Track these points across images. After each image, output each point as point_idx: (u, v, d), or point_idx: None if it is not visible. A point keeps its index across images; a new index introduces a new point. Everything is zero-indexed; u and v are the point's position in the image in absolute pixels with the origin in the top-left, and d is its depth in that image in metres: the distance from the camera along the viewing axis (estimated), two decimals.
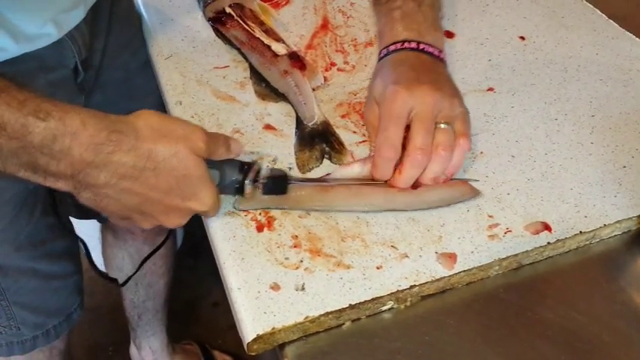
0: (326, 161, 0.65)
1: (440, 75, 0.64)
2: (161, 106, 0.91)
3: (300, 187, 0.60)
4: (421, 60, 0.64)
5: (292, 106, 0.70)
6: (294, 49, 0.77)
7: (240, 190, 0.58)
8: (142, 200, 0.53)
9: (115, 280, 0.86)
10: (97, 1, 0.73)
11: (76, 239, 0.90)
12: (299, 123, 0.68)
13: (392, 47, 0.65)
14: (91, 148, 0.49)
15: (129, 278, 0.86)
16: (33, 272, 0.79)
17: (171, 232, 1.14)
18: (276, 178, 0.59)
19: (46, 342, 0.88)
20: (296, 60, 0.73)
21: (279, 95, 0.71)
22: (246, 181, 0.57)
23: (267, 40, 0.76)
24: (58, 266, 0.83)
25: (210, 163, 0.55)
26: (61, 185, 0.52)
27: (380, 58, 0.67)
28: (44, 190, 0.76)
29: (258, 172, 0.59)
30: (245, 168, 0.58)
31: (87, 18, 0.71)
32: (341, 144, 0.66)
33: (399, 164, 0.59)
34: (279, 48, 0.74)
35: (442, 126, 0.58)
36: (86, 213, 1.03)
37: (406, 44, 0.65)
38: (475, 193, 0.60)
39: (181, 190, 0.54)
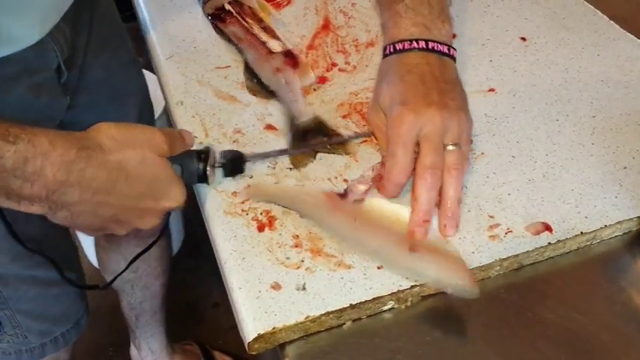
0: (324, 155, 0.65)
1: (448, 83, 0.62)
2: (143, 106, 0.92)
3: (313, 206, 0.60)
4: (430, 64, 0.62)
5: (283, 103, 0.71)
6: (290, 47, 0.77)
7: (203, 178, 0.60)
8: (117, 210, 0.55)
9: (96, 286, 0.86)
10: (78, 1, 0.71)
11: (74, 244, 0.90)
12: (291, 121, 0.69)
13: (399, 46, 0.64)
14: (63, 167, 0.50)
15: (115, 278, 0.85)
16: (32, 280, 0.79)
17: (164, 233, 1.13)
18: (233, 159, 0.62)
19: (54, 349, 0.87)
20: (290, 58, 0.73)
21: (269, 92, 0.72)
22: (207, 168, 0.59)
23: (263, 37, 0.76)
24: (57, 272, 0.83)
25: (171, 159, 0.57)
26: (35, 209, 0.51)
27: (385, 55, 0.66)
28: None
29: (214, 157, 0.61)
30: (202, 156, 0.59)
31: (68, 16, 0.69)
32: (340, 135, 0.67)
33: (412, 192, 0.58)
34: (274, 45, 0.75)
35: (450, 147, 0.58)
36: None
37: (414, 44, 0.63)
38: (473, 288, 0.53)
39: (153, 193, 0.55)
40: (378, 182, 0.60)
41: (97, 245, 1.17)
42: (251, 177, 0.63)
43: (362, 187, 0.60)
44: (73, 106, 0.79)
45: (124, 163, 0.53)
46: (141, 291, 1.19)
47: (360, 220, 0.58)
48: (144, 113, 0.93)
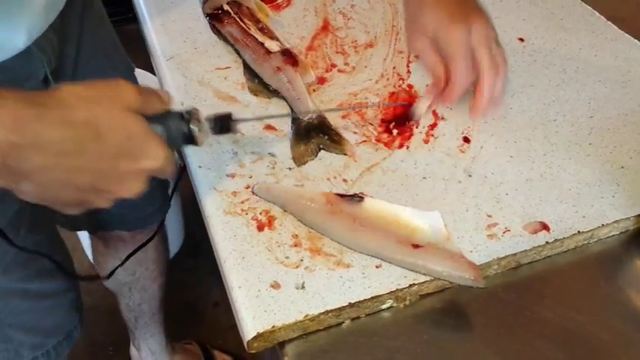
0: (324, 154, 0.66)
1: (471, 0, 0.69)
2: None
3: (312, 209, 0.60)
4: None
5: (286, 101, 0.71)
6: (287, 46, 0.77)
7: (189, 139, 0.55)
8: (93, 176, 0.49)
9: (97, 277, 0.84)
10: (66, 7, 0.69)
11: (67, 254, 0.88)
12: (294, 118, 0.69)
13: None
14: (15, 126, 0.44)
15: (114, 269, 0.84)
16: (24, 293, 0.77)
17: (159, 231, 1.14)
18: (220, 117, 0.58)
19: None
20: (288, 57, 0.74)
21: (271, 92, 0.72)
22: (192, 127, 0.54)
23: (261, 38, 0.77)
24: (50, 284, 0.80)
25: (151, 120, 0.52)
26: None
27: None
28: (29, 207, 0.73)
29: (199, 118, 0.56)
30: (186, 116, 0.55)
31: (55, 24, 0.67)
32: (339, 134, 0.67)
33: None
34: (272, 45, 0.75)
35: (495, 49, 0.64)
36: (75, 224, 1.02)
37: None
38: (478, 279, 0.54)
39: (130, 152, 0.49)
40: (439, 96, 0.66)
41: (94, 250, 1.16)
42: (250, 177, 0.63)
43: (424, 103, 0.68)
44: None
45: (91, 120, 0.47)
46: (139, 293, 1.19)
47: (360, 221, 0.58)
48: None
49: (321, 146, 0.66)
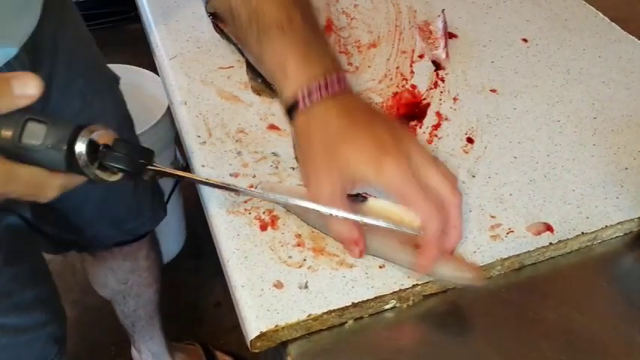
0: None
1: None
2: (121, 125, 0.91)
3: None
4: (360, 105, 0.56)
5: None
6: None
7: (74, 165, 0.43)
8: None
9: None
10: (38, 28, 0.66)
11: (50, 283, 0.85)
12: None
13: (316, 96, 0.53)
14: None
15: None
16: (1, 328, 0.75)
17: (152, 243, 1.14)
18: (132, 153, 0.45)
19: None
20: None
21: (274, 91, 0.72)
22: (77, 149, 0.42)
23: None
24: (29, 318, 0.78)
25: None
26: None
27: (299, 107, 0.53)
28: (6, 238, 0.72)
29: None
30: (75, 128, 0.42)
31: (27, 46, 0.65)
32: None
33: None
34: None
35: None
36: (59, 248, 1.00)
37: (330, 80, 0.53)
38: (479, 279, 0.53)
39: None
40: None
41: (83, 260, 1.15)
42: (254, 176, 0.63)
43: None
44: None
45: None
46: (133, 300, 1.18)
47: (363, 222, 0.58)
48: (123, 132, 0.90)
49: None
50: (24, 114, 0.41)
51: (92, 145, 0.43)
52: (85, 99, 0.81)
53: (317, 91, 0.52)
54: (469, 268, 0.54)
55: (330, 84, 0.53)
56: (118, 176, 0.46)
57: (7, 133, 0.40)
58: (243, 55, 0.77)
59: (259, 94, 0.72)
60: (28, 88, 0.42)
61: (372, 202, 0.58)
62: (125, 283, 1.14)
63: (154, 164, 0.47)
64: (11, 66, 0.65)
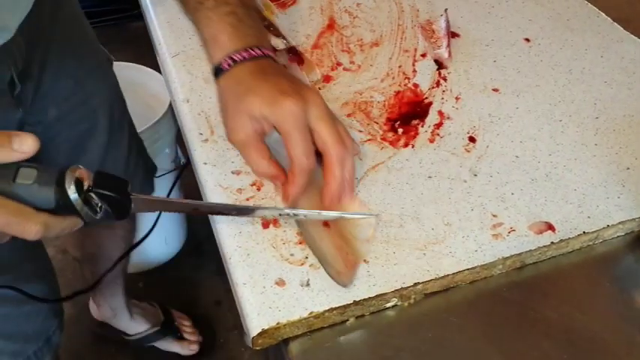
0: None
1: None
2: (113, 108, 0.91)
3: None
4: (273, 65, 0.61)
5: None
6: (293, 44, 0.77)
7: (69, 208, 0.47)
8: None
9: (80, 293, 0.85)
10: (34, 10, 0.67)
11: (47, 260, 0.87)
12: None
13: (238, 56, 0.59)
14: None
15: (98, 280, 0.86)
16: (3, 298, 0.77)
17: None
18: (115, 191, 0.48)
19: None
20: (294, 54, 0.74)
21: None
22: (70, 192, 0.46)
23: (269, 35, 0.77)
24: (30, 289, 0.79)
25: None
26: None
27: (226, 70, 0.59)
28: None
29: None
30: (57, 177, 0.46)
31: (23, 28, 0.65)
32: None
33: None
34: (277, 43, 0.75)
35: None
36: None
37: (252, 51, 0.60)
38: (343, 280, 0.54)
39: None
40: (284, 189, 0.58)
41: None
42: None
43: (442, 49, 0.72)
44: (43, 122, 0.78)
45: None
46: (104, 263, 1.19)
47: (310, 189, 0.57)
48: (114, 115, 0.91)
49: None
50: (17, 163, 0.46)
51: (79, 184, 0.47)
52: (78, 80, 0.82)
53: (239, 54, 0.59)
54: (343, 266, 0.54)
55: (252, 51, 0.60)
56: (101, 214, 0.49)
57: (3, 175, 0.45)
58: None
59: None
60: (25, 145, 0.46)
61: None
62: (99, 247, 1.16)
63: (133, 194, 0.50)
64: (8, 48, 0.65)
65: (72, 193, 0.46)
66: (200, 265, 1.63)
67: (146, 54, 1.01)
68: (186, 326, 1.46)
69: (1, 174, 0.45)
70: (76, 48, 0.82)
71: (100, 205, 0.48)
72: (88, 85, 0.84)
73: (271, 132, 0.58)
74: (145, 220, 1.39)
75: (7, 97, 0.70)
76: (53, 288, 0.88)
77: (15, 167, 0.46)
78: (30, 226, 0.46)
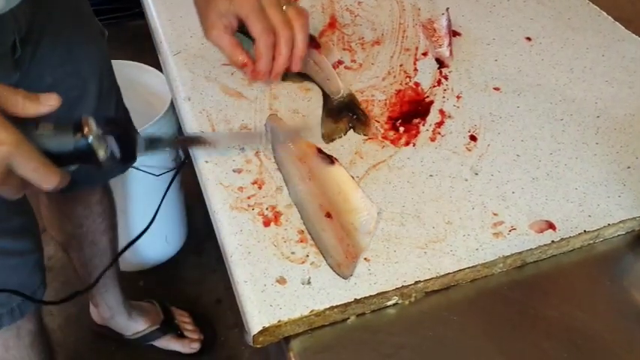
0: (332, 149, 0.66)
1: None
2: (103, 77, 0.93)
3: None
4: None
5: (316, 84, 0.73)
6: None
7: (86, 155, 0.52)
8: None
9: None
10: None
11: (33, 216, 0.90)
12: (326, 97, 0.71)
13: None
14: None
15: (97, 279, 0.88)
16: None
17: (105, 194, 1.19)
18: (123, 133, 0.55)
19: (11, 320, 0.88)
20: (310, 40, 0.74)
21: (301, 76, 0.74)
22: (91, 140, 0.51)
23: None
24: (16, 243, 0.84)
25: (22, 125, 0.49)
26: None
27: None
28: None
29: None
30: (75, 127, 0.51)
31: None
32: (365, 115, 0.69)
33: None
34: None
35: (285, 7, 0.67)
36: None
37: None
38: (343, 271, 0.55)
39: None
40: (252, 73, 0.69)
41: (39, 204, 1.18)
42: (257, 172, 0.63)
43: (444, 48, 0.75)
44: (37, 88, 0.79)
45: None
46: (89, 247, 1.21)
47: (314, 177, 0.61)
48: (103, 84, 0.94)
49: (350, 125, 0.68)
50: (35, 118, 0.51)
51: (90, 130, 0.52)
52: (71, 50, 0.86)
53: None
54: (344, 259, 0.55)
55: None
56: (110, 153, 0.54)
57: (26, 127, 0.50)
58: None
59: (284, 80, 0.73)
60: (51, 100, 0.52)
61: (335, 169, 0.62)
62: (80, 227, 1.17)
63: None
64: (15, 13, 0.69)
65: (91, 134, 0.51)
66: (200, 263, 1.63)
67: (146, 52, 1.01)
68: (186, 324, 1.46)
69: (25, 127, 0.49)
70: (73, 18, 0.86)
71: (110, 146, 0.54)
72: (80, 54, 0.88)
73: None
74: (146, 219, 1.39)
75: (8, 60, 0.73)
76: (37, 243, 0.90)
77: (34, 122, 0.51)
78: (53, 175, 0.51)
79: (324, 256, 0.55)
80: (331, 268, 0.54)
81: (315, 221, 0.58)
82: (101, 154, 0.53)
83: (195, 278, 1.61)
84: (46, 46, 0.80)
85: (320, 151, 0.64)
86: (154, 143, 0.60)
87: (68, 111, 0.87)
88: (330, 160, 0.63)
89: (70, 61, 0.86)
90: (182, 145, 0.63)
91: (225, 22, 0.68)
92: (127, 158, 0.56)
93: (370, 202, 0.59)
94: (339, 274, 0.54)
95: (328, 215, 0.58)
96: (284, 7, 0.67)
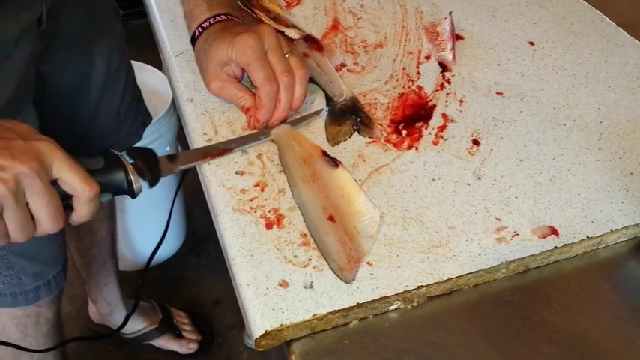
0: (335, 153, 0.65)
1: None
2: (112, 58, 0.94)
3: None
4: (235, 22, 0.72)
5: (319, 86, 0.73)
6: (307, 32, 0.78)
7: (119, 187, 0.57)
8: None
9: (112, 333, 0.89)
10: None
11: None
12: (329, 100, 0.71)
13: (205, 23, 0.71)
14: None
15: (124, 322, 0.91)
16: None
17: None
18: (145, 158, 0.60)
19: (48, 293, 0.90)
20: (312, 42, 0.75)
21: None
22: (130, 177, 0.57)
23: (279, 27, 0.77)
24: None
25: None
26: None
27: (198, 37, 0.71)
28: None
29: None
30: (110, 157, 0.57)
31: None
32: (369, 117, 0.69)
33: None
34: (292, 33, 0.76)
35: (288, 55, 0.67)
36: None
37: (218, 17, 0.71)
38: (345, 275, 0.55)
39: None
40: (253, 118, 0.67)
41: None
42: (260, 175, 0.63)
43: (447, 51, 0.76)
44: (53, 62, 0.83)
45: None
46: (87, 236, 1.22)
47: (317, 179, 0.61)
48: (112, 64, 0.95)
49: (355, 128, 0.68)
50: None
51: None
52: (85, 27, 0.87)
53: (207, 22, 0.70)
54: (346, 263, 0.55)
55: (218, 17, 0.70)
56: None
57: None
58: None
59: None
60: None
61: (339, 172, 0.62)
62: None
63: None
64: None
65: (128, 172, 0.56)
66: (199, 264, 1.63)
67: (147, 51, 1.01)
68: (185, 324, 1.46)
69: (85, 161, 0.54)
70: None
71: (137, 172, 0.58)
72: (91, 32, 0.89)
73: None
74: (145, 218, 1.39)
75: (35, 31, 0.74)
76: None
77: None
78: (94, 184, 0.53)
79: (326, 260, 0.55)
80: (333, 272, 0.54)
81: (318, 224, 0.58)
82: (137, 187, 0.57)
83: (193, 278, 1.60)
84: (63, 20, 0.81)
85: (325, 153, 0.64)
86: (173, 160, 0.63)
87: (77, 87, 0.90)
88: (335, 163, 0.63)
89: (82, 38, 0.87)
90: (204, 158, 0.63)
91: (228, 70, 0.68)
92: (153, 184, 0.60)
93: (373, 206, 0.59)
94: (341, 279, 0.54)
95: (331, 218, 0.58)
96: (286, 55, 0.66)
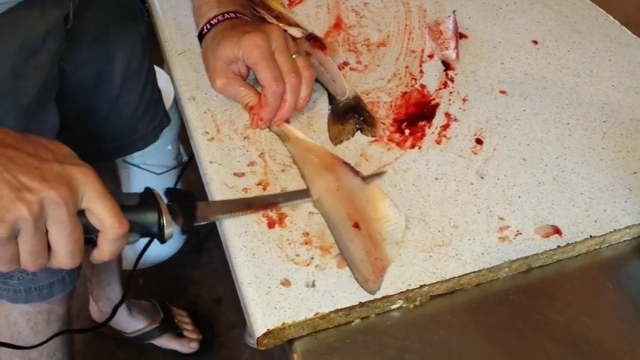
0: (339, 151, 0.65)
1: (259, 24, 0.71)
2: (132, 59, 0.93)
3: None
4: (244, 20, 0.71)
5: (322, 85, 0.72)
6: (310, 30, 0.78)
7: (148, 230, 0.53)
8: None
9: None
10: None
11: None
12: (331, 99, 0.71)
13: (214, 20, 0.71)
14: None
15: (114, 312, 0.90)
16: None
17: None
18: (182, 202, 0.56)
19: (62, 289, 0.90)
20: (315, 41, 0.74)
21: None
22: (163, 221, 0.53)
23: (281, 25, 0.77)
24: None
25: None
26: None
27: (205, 34, 0.71)
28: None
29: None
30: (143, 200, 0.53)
31: None
32: (372, 116, 0.69)
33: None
34: (294, 31, 0.75)
35: (295, 55, 0.67)
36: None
37: (227, 15, 0.71)
38: (370, 286, 0.54)
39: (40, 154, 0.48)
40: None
41: None
42: (262, 174, 0.63)
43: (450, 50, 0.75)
44: (75, 60, 0.83)
45: None
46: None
47: (341, 189, 0.60)
48: (131, 65, 0.94)
49: (357, 126, 0.68)
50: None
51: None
52: (106, 26, 0.86)
53: (215, 19, 0.70)
54: (371, 273, 0.54)
55: (227, 15, 0.70)
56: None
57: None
58: None
59: None
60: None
61: (372, 187, 0.61)
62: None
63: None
64: None
65: (163, 205, 0.53)
66: (200, 263, 1.63)
67: (151, 51, 1.00)
68: (186, 323, 1.46)
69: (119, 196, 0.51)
70: None
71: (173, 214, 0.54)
72: (114, 31, 0.88)
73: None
74: None
75: (62, 29, 0.75)
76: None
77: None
78: (124, 221, 0.49)
79: (351, 270, 0.54)
80: (358, 282, 0.53)
81: (342, 230, 0.57)
82: (168, 232, 0.53)
83: (194, 278, 1.60)
84: (88, 19, 0.81)
85: (345, 162, 0.63)
86: (212, 208, 0.60)
87: (95, 85, 0.90)
88: (356, 172, 0.62)
89: (104, 36, 0.87)
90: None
91: (234, 68, 0.68)
92: (187, 230, 0.56)
93: (398, 211, 0.58)
94: (365, 289, 0.53)
95: (356, 225, 0.57)
96: (294, 55, 0.66)
